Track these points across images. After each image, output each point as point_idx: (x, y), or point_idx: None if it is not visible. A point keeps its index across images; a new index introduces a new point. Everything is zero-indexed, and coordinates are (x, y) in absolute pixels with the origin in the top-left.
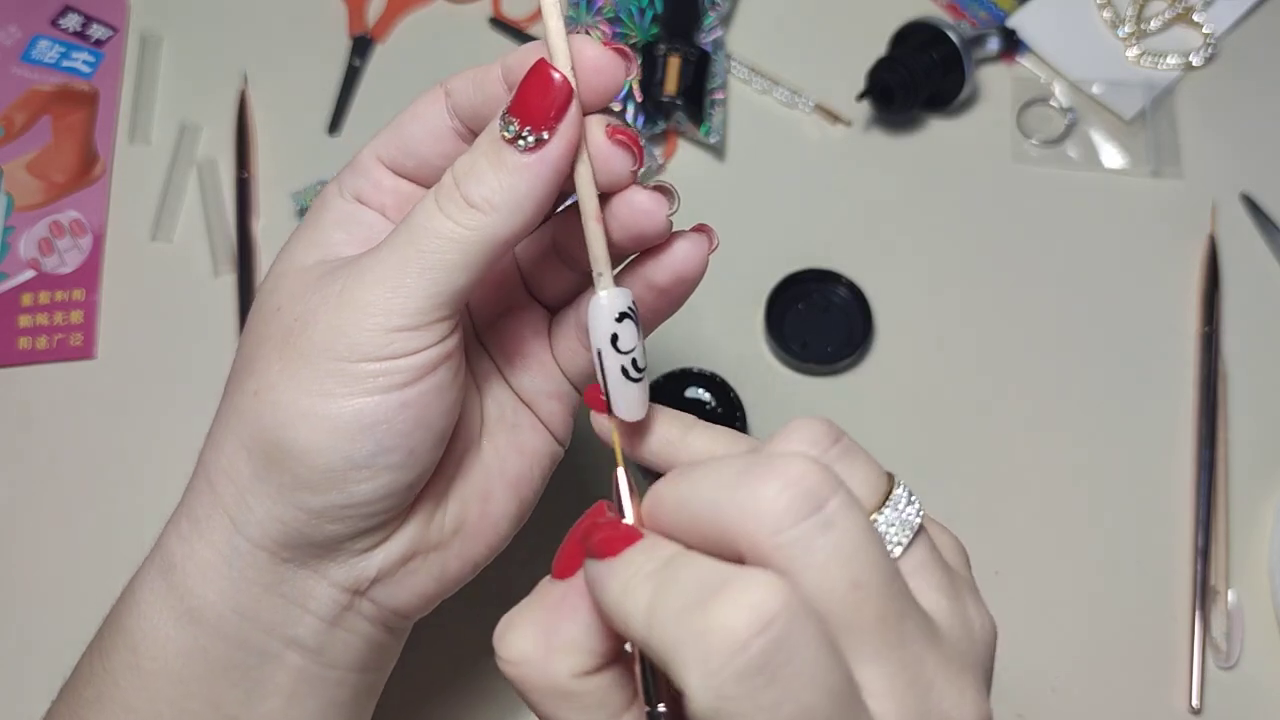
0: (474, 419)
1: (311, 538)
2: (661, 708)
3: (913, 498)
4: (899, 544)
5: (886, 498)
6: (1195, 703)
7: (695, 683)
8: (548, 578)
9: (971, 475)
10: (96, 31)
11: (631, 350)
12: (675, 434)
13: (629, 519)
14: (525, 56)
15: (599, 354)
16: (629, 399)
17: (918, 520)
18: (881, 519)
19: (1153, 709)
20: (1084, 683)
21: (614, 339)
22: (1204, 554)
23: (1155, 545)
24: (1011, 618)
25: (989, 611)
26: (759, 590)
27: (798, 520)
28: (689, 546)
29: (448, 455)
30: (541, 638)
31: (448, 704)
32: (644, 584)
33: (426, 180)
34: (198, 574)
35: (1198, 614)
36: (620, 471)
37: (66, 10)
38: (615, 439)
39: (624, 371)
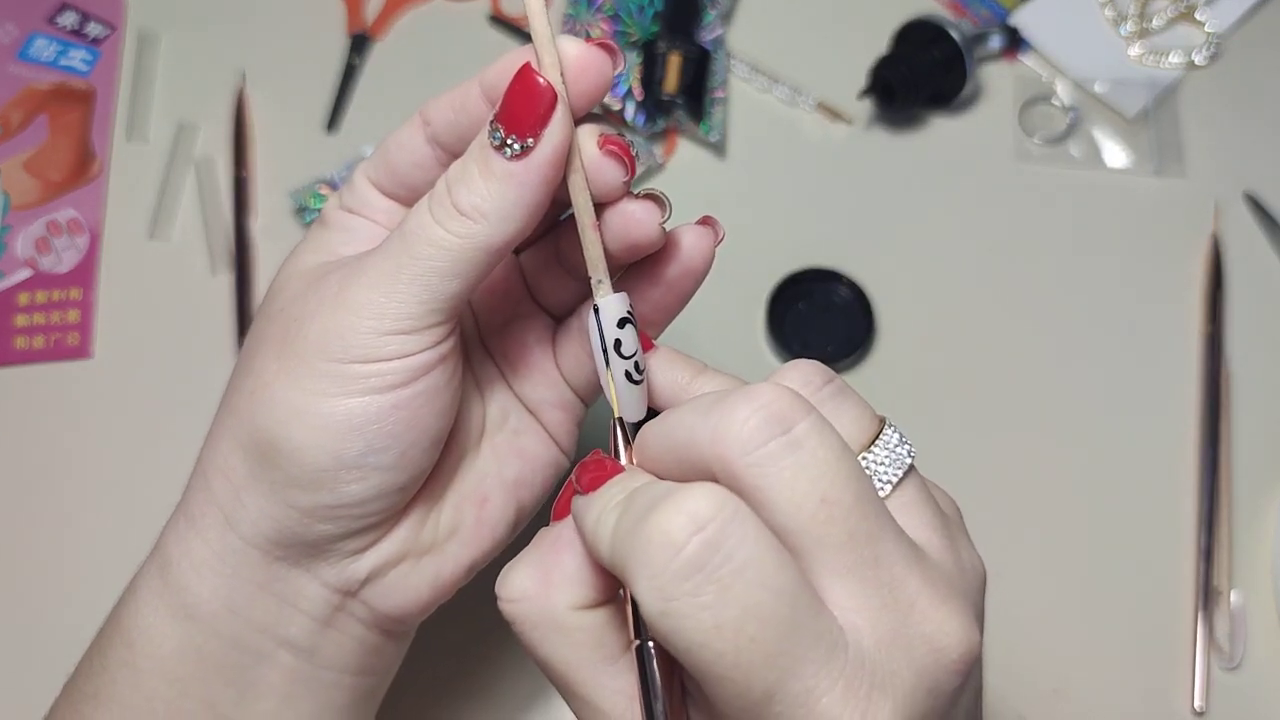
0: (473, 423)
1: (303, 536)
2: (652, 644)
3: (904, 439)
4: (889, 482)
5: (877, 438)
6: (1198, 704)
7: (642, 588)
8: (546, 526)
9: (973, 475)
10: (94, 29)
11: (634, 355)
12: (684, 378)
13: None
14: (504, 68)
15: (603, 360)
16: (632, 401)
17: (909, 460)
18: (871, 457)
19: (1155, 710)
20: (1086, 684)
21: (617, 345)
22: (1207, 554)
23: (1158, 545)
24: (1013, 618)
25: (979, 556)
26: (696, 497)
27: (766, 441)
28: (672, 478)
29: (444, 457)
30: (540, 574)
31: (448, 705)
32: (613, 512)
33: None
34: (192, 571)
35: (1201, 615)
36: (615, 421)
37: (64, 8)
38: (612, 392)
39: (627, 375)
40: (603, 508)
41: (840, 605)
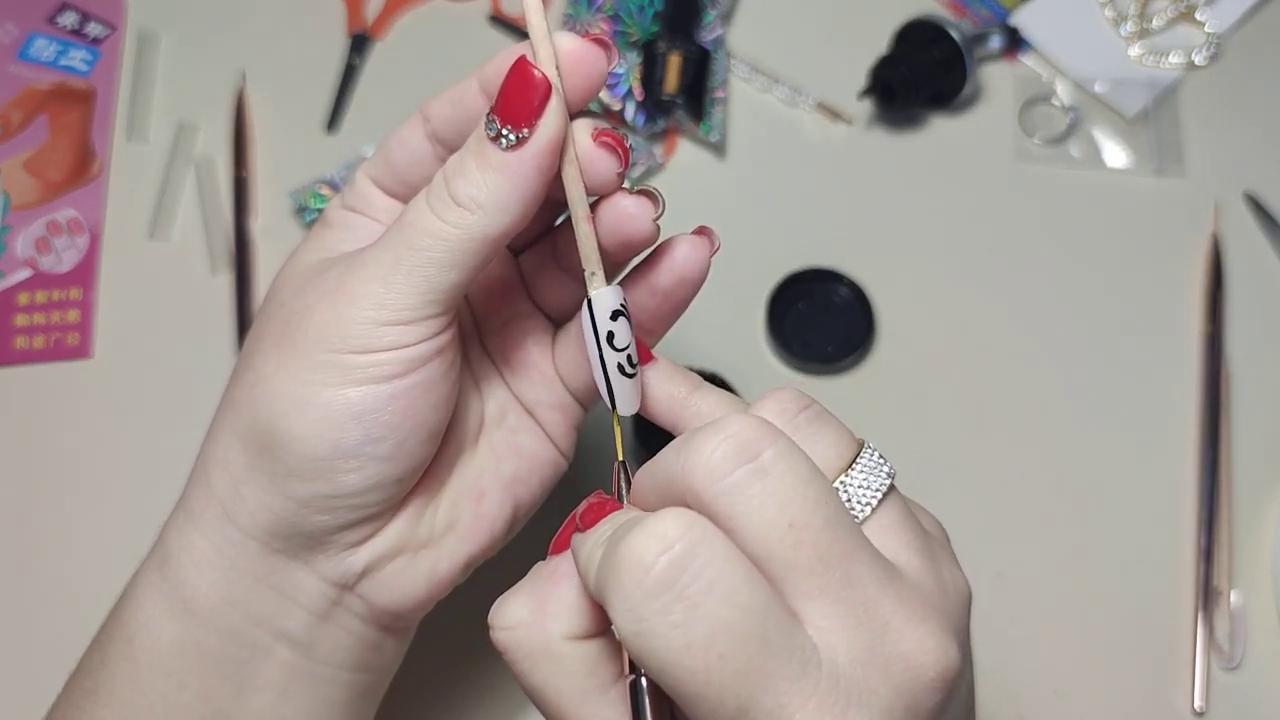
0: (471, 418)
1: (300, 528)
2: (645, 679)
3: (884, 461)
4: (868, 504)
5: (855, 460)
6: (1198, 704)
7: (616, 610)
8: (541, 561)
9: (973, 475)
10: (94, 29)
11: (626, 347)
12: (680, 392)
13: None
14: (501, 63)
15: (597, 352)
16: (625, 394)
17: (887, 482)
18: (849, 480)
19: (1156, 711)
20: (1087, 684)
21: (610, 337)
22: (1207, 555)
23: (1158, 546)
24: (1014, 619)
25: (964, 575)
26: (665, 519)
27: (732, 470)
28: None
29: (442, 452)
30: (536, 604)
31: (448, 705)
32: (601, 546)
33: None
34: (191, 564)
35: (1201, 615)
36: (619, 464)
37: (64, 8)
38: (616, 433)
39: (620, 368)
40: (595, 542)
41: (815, 625)
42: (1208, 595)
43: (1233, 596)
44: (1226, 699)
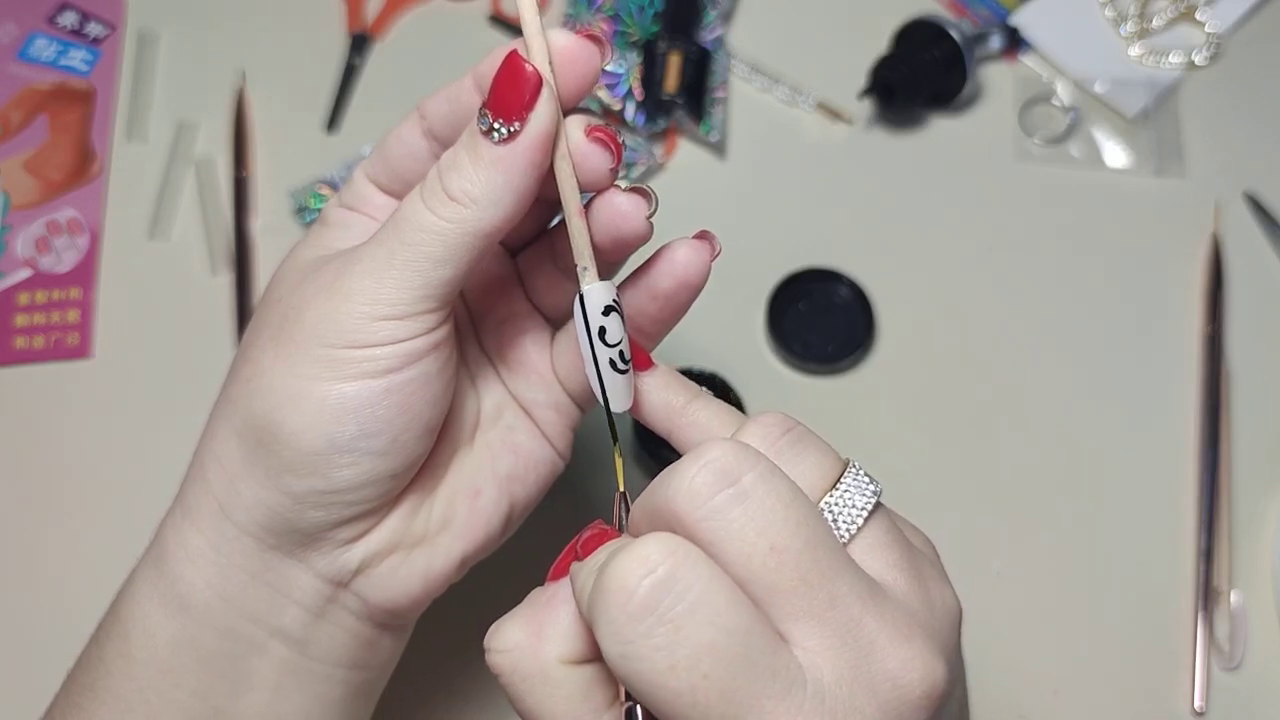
0: (468, 415)
1: (295, 524)
2: (640, 707)
3: (869, 481)
4: (854, 523)
5: (840, 480)
6: (1199, 705)
7: (603, 634)
8: (539, 587)
9: (973, 475)
10: (94, 29)
11: (619, 343)
12: (679, 401)
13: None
14: (495, 59)
15: (588, 346)
16: (617, 390)
17: (872, 501)
18: (833, 500)
19: (1156, 711)
20: (1087, 685)
21: (602, 332)
22: (1207, 555)
23: (1158, 546)
24: (1013, 619)
25: (954, 592)
26: (648, 544)
27: (713, 495)
28: None
29: (437, 449)
30: (532, 628)
31: (447, 705)
32: (595, 572)
33: None
34: (187, 561)
35: (1201, 615)
36: (620, 495)
37: (64, 8)
38: (618, 465)
39: (612, 364)
40: (590, 570)
41: (801, 646)
42: (1208, 595)
43: (1233, 596)
44: (1226, 699)
